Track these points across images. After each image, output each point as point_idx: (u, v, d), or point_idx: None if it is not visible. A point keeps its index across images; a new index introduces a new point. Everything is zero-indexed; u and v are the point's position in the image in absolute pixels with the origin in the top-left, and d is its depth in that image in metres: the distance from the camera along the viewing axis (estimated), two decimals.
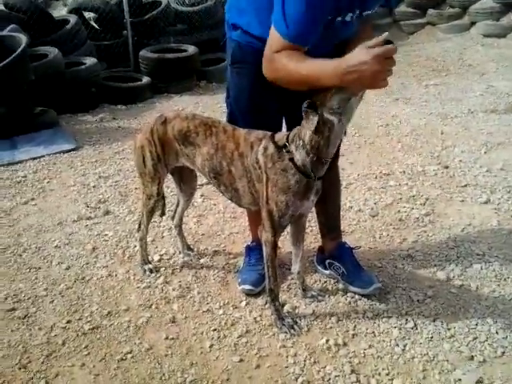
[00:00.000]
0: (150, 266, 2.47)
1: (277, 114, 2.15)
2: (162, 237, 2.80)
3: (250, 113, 2.07)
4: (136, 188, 3.41)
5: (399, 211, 2.98)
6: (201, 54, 6.03)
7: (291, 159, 1.80)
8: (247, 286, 2.25)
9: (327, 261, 2.33)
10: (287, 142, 1.83)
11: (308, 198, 1.89)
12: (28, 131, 4.33)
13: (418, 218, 2.89)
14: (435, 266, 2.45)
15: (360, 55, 1.56)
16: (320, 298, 2.22)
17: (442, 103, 5.01)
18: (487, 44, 7.00)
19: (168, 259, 2.59)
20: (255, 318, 2.12)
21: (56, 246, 2.73)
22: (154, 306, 2.22)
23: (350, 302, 2.20)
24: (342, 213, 2.49)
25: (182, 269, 2.50)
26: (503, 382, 1.77)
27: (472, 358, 1.89)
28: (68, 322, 2.14)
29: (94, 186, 3.47)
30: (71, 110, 5.03)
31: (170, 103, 5.48)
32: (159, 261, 2.57)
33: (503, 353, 1.90)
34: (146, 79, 5.62)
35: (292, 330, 2.02)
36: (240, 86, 2.07)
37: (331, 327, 2.07)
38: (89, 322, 2.13)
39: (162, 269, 2.49)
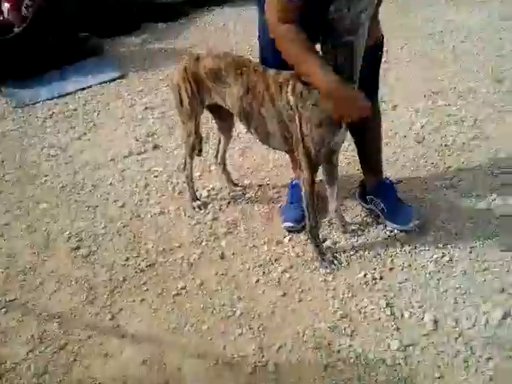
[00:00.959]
0: (199, 202, 2.62)
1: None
2: (210, 171, 2.91)
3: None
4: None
5: (445, 136, 2.93)
6: None
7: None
8: (289, 223, 2.38)
9: (368, 196, 2.40)
10: None
11: (341, 126, 1.92)
12: (75, 59, 4.42)
13: (463, 144, 2.85)
14: (478, 196, 2.46)
15: (351, 94, 1.78)
16: (360, 232, 2.33)
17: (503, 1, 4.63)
18: None
19: (215, 194, 2.73)
20: (297, 254, 2.26)
21: (111, 184, 2.91)
22: (204, 243, 2.40)
23: (389, 236, 2.29)
24: (386, 140, 2.51)
25: (228, 205, 2.63)
26: None
27: (503, 290, 1.97)
28: (127, 259, 2.36)
29: (141, 118, 3.58)
30: (114, 32, 5.03)
31: (210, 18, 5.35)
32: (207, 196, 2.72)
33: None
34: None
35: (332, 265, 2.16)
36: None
37: (370, 261, 2.18)
38: (145, 259, 2.35)
39: (209, 205, 2.64)
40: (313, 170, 2.00)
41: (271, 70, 2.00)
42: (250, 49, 4.43)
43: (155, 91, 3.93)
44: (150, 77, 4.19)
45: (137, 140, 3.31)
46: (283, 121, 1.97)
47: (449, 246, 2.19)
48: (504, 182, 2.52)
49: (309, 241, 2.25)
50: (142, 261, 2.34)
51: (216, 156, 2.67)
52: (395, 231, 2.31)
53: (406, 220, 2.26)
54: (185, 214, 2.60)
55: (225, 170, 2.68)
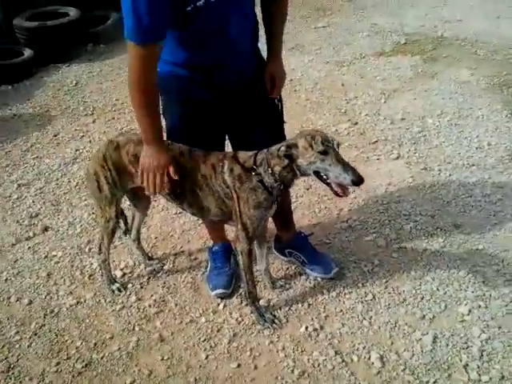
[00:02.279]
0: (117, 284, 2.52)
1: (218, 138, 2.23)
2: (115, 247, 2.80)
3: (192, 141, 2.10)
4: (65, 193, 3.32)
5: None
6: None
7: (260, 181, 1.93)
8: (220, 291, 2.42)
9: (286, 250, 2.56)
10: (255, 164, 1.94)
11: (272, 207, 2.06)
12: None
13: None
14: (373, 232, 2.79)
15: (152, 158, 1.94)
16: (287, 286, 2.47)
17: (334, 48, 5.27)
18: None
19: (131, 272, 2.65)
20: (237, 320, 2.32)
21: (6, 280, 2.64)
22: (137, 328, 2.31)
23: (314, 285, 2.47)
24: None
25: (149, 281, 2.58)
26: (450, 334, 2.17)
27: (424, 316, 2.27)
28: (57, 364, 2.17)
29: (17, 198, 3.30)
30: None
31: (59, 76, 5.15)
32: (123, 276, 2.62)
33: (445, 306, 2.31)
34: (28, 52, 5.14)
35: (274, 325, 2.26)
36: (174, 117, 2.12)
37: (305, 313, 2.33)
38: (78, 359, 2.18)
39: (129, 285, 2.55)
40: (250, 241, 2.10)
41: (198, 151, 2.05)
42: (114, 107, 4.39)
43: (24, 165, 3.64)
44: (11, 149, 3.87)
45: (20, 224, 3.04)
46: (220, 198, 2.04)
47: (368, 285, 2.45)
48: (390, 217, 2.89)
49: (248, 306, 2.31)
50: (76, 362, 2.17)
51: (125, 232, 2.59)
52: (318, 278, 2.50)
53: (327, 269, 2.46)
54: (105, 300, 2.48)
55: (139, 245, 2.62)
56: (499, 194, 2.96)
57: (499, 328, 2.17)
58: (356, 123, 3.88)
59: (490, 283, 2.38)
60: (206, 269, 2.59)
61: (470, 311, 2.26)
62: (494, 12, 5.76)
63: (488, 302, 2.29)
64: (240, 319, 2.32)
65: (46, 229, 3.00)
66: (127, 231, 2.54)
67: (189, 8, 1.74)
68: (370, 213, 2.94)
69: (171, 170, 1.95)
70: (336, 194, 1.86)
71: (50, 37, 5.24)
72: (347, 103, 4.20)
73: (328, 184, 1.86)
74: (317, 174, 1.85)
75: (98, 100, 4.65)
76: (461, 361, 2.05)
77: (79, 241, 2.88)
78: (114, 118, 4.30)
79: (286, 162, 1.87)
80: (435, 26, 5.61)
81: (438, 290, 2.39)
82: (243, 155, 2.02)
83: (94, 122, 4.26)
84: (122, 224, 2.45)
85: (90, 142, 3.93)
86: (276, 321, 2.28)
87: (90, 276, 2.63)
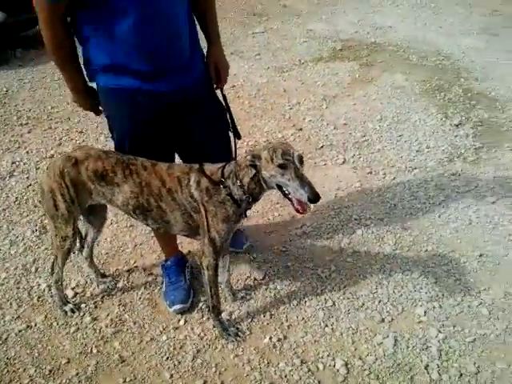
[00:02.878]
0: (70, 305, 2.40)
1: (168, 153, 2.19)
2: None
3: (141, 153, 2.06)
4: (4, 209, 3.13)
5: None
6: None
7: (229, 194, 1.91)
8: (178, 306, 2.36)
9: None
10: (223, 177, 1.91)
11: (240, 220, 2.04)
12: None
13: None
14: (327, 238, 2.84)
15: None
16: (248, 297, 2.45)
17: (273, 54, 5.32)
18: None
19: (83, 291, 2.53)
20: (199, 335, 2.27)
21: None
22: (95, 350, 2.21)
23: (274, 295, 2.47)
24: None
25: (103, 299, 2.47)
26: (409, 336, 2.25)
27: (383, 320, 2.33)
28: None
29: None
30: None
31: None
32: (75, 296, 2.50)
33: (403, 309, 2.38)
34: None
35: (238, 338, 2.23)
36: (122, 129, 2.07)
37: (268, 323, 2.32)
38: None
39: (82, 305, 2.43)
40: (217, 256, 2.06)
41: (161, 164, 2.00)
42: (50, 116, 4.19)
43: None
44: None
45: None
46: (187, 211, 1.98)
47: (326, 291, 2.48)
48: (342, 222, 2.95)
49: (211, 320, 2.27)
50: None
51: (81, 250, 2.47)
52: (278, 287, 2.51)
53: (240, 244, 2.61)
54: (57, 323, 2.35)
55: (92, 263, 2.51)
56: (442, 195, 3.10)
57: (454, 327, 2.27)
58: (301, 129, 3.94)
59: (442, 283, 2.48)
60: (162, 284, 2.52)
61: (425, 312, 2.34)
62: (422, 19, 6.05)
63: (442, 302, 2.39)
64: (202, 334, 2.28)
65: None
66: (82, 248, 2.42)
67: None
68: (322, 218, 2.99)
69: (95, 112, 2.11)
70: (296, 210, 1.85)
71: None
72: (290, 109, 4.25)
73: (290, 199, 1.85)
74: (279, 187, 1.84)
75: (32, 109, 4.42)
76: (421, 362, 2.12)
77: (24, 260, 2.72)
78: (50, 128, 4.10)
79: (253, 172, 1.85)
80: (368, 33, 5.81)
81: (394, 292, 2.46)
82: (210, 167, 1.98)
83: (29, 132, 4.04)
84: (77, 242, 2.32)
85: (28, 153, 3.72)
86: (239, 333, 2.26)
87: (39, 298, 2.49)
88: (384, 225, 2.91)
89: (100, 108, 2.11)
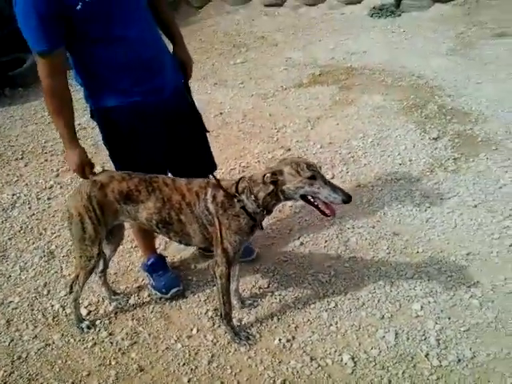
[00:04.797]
0: (86, 322, 2.50)
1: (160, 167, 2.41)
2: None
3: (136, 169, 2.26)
4: (10, 238, 3.23)
5: None
6: None
7: (243, 207, 2.07)
8: (175, 289, 2.60)
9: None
10: (237, 192, 2.08)
11: (254, 231, 2.20)
12: None
13: (291, 206, 3.40)
14: (324, 246, 3.00)
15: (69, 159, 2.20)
16: (255, 304, 2.59)
17: (256, 82, 5.55)
18: (270, 13, 7.74)
19: (96, 309, 2.64)
20: (212, 341, 2.39)
21: None
22: (113, 362, 2.31)
23: (280, 300, 2.62)
24: None
25: (117, 315, 2.58)
26: (409, 329, 2.41)
27: (383, 316, 2.49)
28: None
29: None
30: None
31: None
32: (88, 314, 2.60)
33: (400, 305, 2.55)
34: None
35: (249, 341, 2.36)
36: (118, 149, 2.29)
37: (276, 327, 2.46)
38: None
39: (97, 321, 2.54)
40: (229, 265, 2.21)
41: (181, 180, 2.17)
42: (45, 149, 4.33)
43: None
44: None
45: None
46: (203, 224, 2.14)
47: (328, 294, 2.64)
48: (337, 231, 3.13)
49: (222, 326, 2.40)
50: None
51: (103, 270, 2.59)
52: (282, 293, 2.66)
53: (249, 253, 2.85)
54: (74, 340, 2.45)
55: (105, 281, 2.62)
56: (427, 202, 3.31)
57: (449, 318, 2.44)
58: (289, 149, 4.14)
59: (435, 281, 2.66)
60: (149, 282, 2.70)
61: (422, 307, 2.51)
62: (394, 44, 6.39)
63: (436, 297, 2.56)
64: (215, 340, 2.40)
65: None
66: (106, 269, 2.55)
67: (78, 6, 1.88)
68: (318, 229, 3.16)
69: (86, 170, 2.18)
70: (324, 214, 2.03)
71: None
72: (277, 132, 4.47)
73: (315, 206, 2.02)
74: (303, 197, 2.01)
75: (26, 143, 4.55)
76: (422, 351, 2.28)
77: (35, 284, 2.82)
78: (46, 160, 4.23)
79: (271, 188, 2.01)
80: (344, 58, 6.11)
81: (391, 291, 2.63)
82: (225, 183, 2.15)
83: (26, 165, 4.17)
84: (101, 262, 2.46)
85: (27, 185, 3.84)
86: (250, 337, 2.39)
87: (54, 318, 2.59)
88: (376, 232, 3.09)
89: (91, 167, 2.24)
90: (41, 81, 2.04)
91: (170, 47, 2.42)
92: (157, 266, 2.70)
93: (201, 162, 2.53)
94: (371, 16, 7.27)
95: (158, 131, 2.27)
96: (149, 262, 2.70)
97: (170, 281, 2.64)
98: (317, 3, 7.68)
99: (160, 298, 2.65)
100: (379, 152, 4.00)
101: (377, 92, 5.08)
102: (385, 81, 5.32)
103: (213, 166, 2.60)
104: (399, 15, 7.19)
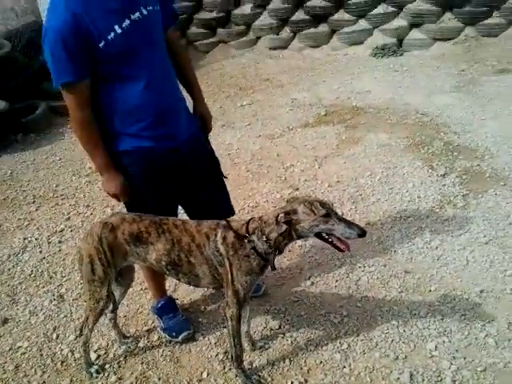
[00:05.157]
0: (96, 366, 2.47)
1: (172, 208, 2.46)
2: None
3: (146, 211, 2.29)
4: (20, 283, 3.23)
5: None
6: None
7: (253, 248, 2.07)
8: (185, 333, 2.59)
9: None
10: (247, 232, 2.09)
11: (264, 271, 2.20)
12: None
13: (300, 246, 3.39)
14: (335, 286, 2.98)
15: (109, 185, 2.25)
16: (267, 346, 2.55)
17: (263, 123, 5.65)
18: (274, 56, 7.94)
19: (105, 353, 2.61)
20: None
21: None
22: None
23: (291, 342, 2.58)
24: None
25: (126, 359, 2.55)
26: (423, 370, 2.35)
27: (397, 357, 2.44)
28: None
29: None
30: None
31: None
32: (98, 358, 2.58)
33: (414, 346, 2.50)
34: None
35: None
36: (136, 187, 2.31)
37: (288, 369, 2.42)
38: None
39: (106, 365, 2.51)
40: (240, 306, 2.20)
41: (191, 222, 2.19)
42: (56, 194, 4.38)
43: None
44: None
45: None
46: (213, 265, 2.14)
47: (341, 335, 2.61)
48: (347, 270, 3.10)
49: (233, 369, 2.36)
50: None
51: (112, 311, 2.57)
52: (294, 335, 2.62)
53: (258, 289, 2.84)
54: None
55: (115, 324, 2.61)
56: (438, 239, 3.29)
57: (464, 358, 2.39)
58: (297, 188, 4.17)
59: (449, 319, 2.62)
60: (159, 324, 2.69)
61: (436, 347, 2.47)
62: (397, 82, 6.50)
63: (450, 337, 2.52)
64: None
65: (5, 321, 2.89)
66: (116, 309, 2.54)
67: (101, 44, 1.96)
68: (328, 269, 3.14)
69: (125, 193, 2.24)
70: (339, 249, 2.04)
71: None
72: (285, 171, 4.51)
73: (330, 242, 2.03)
74: (318, 234, 2.02)
75: (37, 188, 4.62)
76: None
77: (44, 329, 2.80)
78: (57, 204, 4.28)
79: (285, 227, 2.02)
80: (348, 98, 6.21)
81: (404, 331, 2.59)
82: (235, 224, 2.16)
83: (37, 209, 4.21)
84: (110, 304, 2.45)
85: (38, 229, 3.88)
86: (262, 380, 2.35)
87: (63, 362, 2.57)
88: (387, 270, 3.07)
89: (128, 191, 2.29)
90: (70, 116, 2.11)
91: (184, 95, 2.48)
92: (167, 308, 2.69)
93: (219, 208, 2.53)
94: (374, 56, 7.43)
95: (168, 178, 2.29)
96: (159, 305, 2.69)
97: (180, 324, 2.63)
98: (320, 45, 7.88)
99: (170, 341, 2.62)
100: (387, 190, 4.02)
101: (382, 130, 5.14)
102: (390, 119, 5.39)
103: (230, 212, 2.61)
104: (401, 54, 7.35)
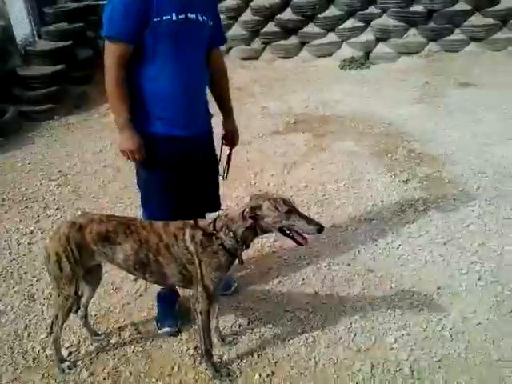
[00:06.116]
0: (68, 362, 2.51)
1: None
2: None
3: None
4: None
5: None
6: None
7: (221, 244, 2.17)
8: (167, 329, 2.70)
9: None
10: (215, 230, 2.19)
11: (231, 267, 2.30)
12: None
13: (270, 246, 3.51)
14: (302, 284, 3.10)
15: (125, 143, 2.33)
16: (236, 340, 2.65)
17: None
18: (246, 66, 8.10)
19: (76, 350, 2.65)
20: (194, 378, 2.43)
21: None
22: None
23: (260, 337, 2.68)
24: None
25: (97, 355, 2.60)
26: (384, 361, 2.49)
27: (359, 350, 2.57)
28: None
29: None
30: None
31: None
32: (69, 355, 2.61)
33: (375, 339, 2.64)
34: None
35: (230, 377, 2.41)
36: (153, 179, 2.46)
37: (256, 362, 2.52)
38: None
39: (78, 362, 2.56)
40: (210, 302, 2.29)
41: (158, 223, 2.27)
42: (25, 197, 4.38)
43: None
44: None
45: None
46: (182, 263, 2.23)
47: (307, 329, 2.72)
48: (314, 271, 3.23)
49: (203, 363, 2.45)
50: None
51: (76, 310, 2.62)
52: (262, 330, 2.72)
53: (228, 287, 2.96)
54: (55, 380, 2.46)
55: (86, 321, 2.66)
56: (399, 240, 3.46)
57: (422, 350, 2.53)
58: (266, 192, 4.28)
59: (407, 314, 2.77)
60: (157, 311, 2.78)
61: (396, 340, 2.61)
62: (364, 94, 6.74)
63: (409, 330, 2.66)
64: (197, 377, 2.44)
65: None
66: (78, 309, 2.58)
67: (156, 19, 2.18)
68: (295, 268, 3.26)
69: (141, 152, 2.34)
70: (298, 243, 2.16)
71: None
72: (255, 176, 4.63)
73: (291, 237, 2.16)
74: (280, 229, 2.14)
75: (6, 191, 4.60)
76: (397, 382, 2.36)
77: (15, 327, 2.83)
78: (26, 207, 4.28)
79: (250, 222, 2.13)
80: (317, 108, 6.41)
81: (366, 325, 2.72)
82: (202, 223, 2.26)
83: (6, 212, 4.21)
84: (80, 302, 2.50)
85: (7, 231, 3.88)
86: (231, 373, 2.43)
87: (34, 359, 2.59)
88: (351, 269, 3.21)
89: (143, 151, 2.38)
90: (106, 71, 2.23)
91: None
92: (165, 298, 2.79)
93: (210, 201, 2.71)
94: (342, 68, 7.68)
95: (174, 166, 2.43)
96: (160, 292, 2.78)
97: (169, 318, 2.72)
98: (291, 56, 8.09)
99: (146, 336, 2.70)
100: (353, 194, 4.18)
101: (349, 138, 5.33)
102: (357, 128, 5.59)
103: (218, 206, 2.78)
104: (368, 67, 7.63)
